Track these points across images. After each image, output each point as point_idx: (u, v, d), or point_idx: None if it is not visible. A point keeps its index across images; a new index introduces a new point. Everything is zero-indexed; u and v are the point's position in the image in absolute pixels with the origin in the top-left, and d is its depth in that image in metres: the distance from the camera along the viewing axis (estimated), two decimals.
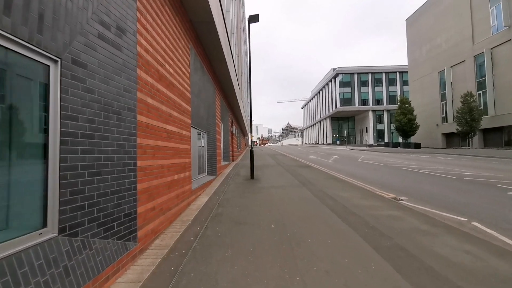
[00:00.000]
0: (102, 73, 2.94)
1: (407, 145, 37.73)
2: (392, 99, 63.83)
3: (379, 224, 4.79)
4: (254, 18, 11.79)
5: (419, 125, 39.03)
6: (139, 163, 3.65)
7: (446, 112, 36.56)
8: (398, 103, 41.45)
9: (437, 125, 38.19)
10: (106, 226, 2.95)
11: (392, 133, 53.10)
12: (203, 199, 7.04)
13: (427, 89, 40.52)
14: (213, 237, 4.26)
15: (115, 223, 3.09)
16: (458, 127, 30.68)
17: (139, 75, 3.71)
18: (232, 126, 19.07)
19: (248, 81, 10.22)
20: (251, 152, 10.79)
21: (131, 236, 3.37)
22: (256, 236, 4.25)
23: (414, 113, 39.54)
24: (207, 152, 10.01)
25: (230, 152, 18.68)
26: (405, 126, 38.88)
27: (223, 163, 14.39)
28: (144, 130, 3.86)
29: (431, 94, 39.45)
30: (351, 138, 72.97)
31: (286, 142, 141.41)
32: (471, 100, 29.71)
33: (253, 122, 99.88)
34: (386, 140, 61.95)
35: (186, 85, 6.34)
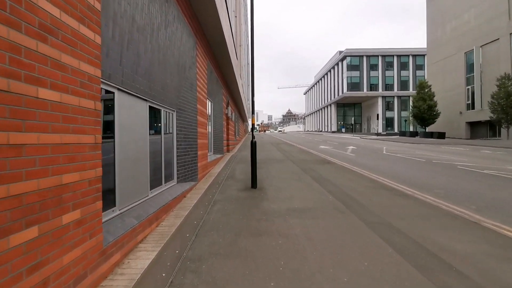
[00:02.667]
0: None
1: (428, 135, 33.54)
2: (403, 84, 59.24)
3: None
4: None
5: (440, 112, 34.79)
6: None
7: (472, 98, 32.26)
8: (417, 88, 37.07)
9: (461, 112, 33.95)
10: None
11: (406, 121, 48.84)
12: (133, 270, 2.97)
13: (449, 73, 36.04)
14: None
15: None
16: (492, 115, 26.50)
17: None
18: (227, 108, 14.91)
19: (251, 44, 5.45)
20: (253, 144, 6.63)
21: None
22: None
23: (435, 99, 35.24)
24: (177, 145, 5.91)
25: (225, 141, 14.57)
26: (424, 113, 34.64)
27: (212, 157, 10.31)
28: None
29: (455, 78, 35.01)
30: (357, 126, 68.75)
31: (287, 129, 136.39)
32: (509, 84, 25.43)
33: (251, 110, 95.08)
34: (395, 129, 57.80)
35: None
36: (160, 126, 5.08)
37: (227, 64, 11.75)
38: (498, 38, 28.83)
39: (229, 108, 15.15)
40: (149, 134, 4.53)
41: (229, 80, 14.75)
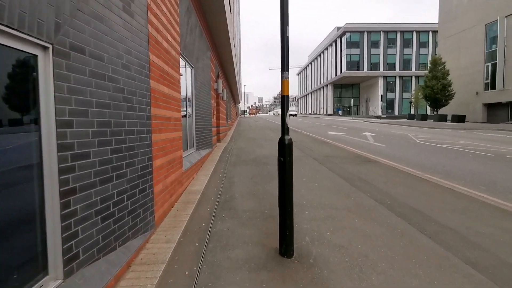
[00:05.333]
0: None
1: (443, 118, 30.01)
2: (406, 63, 55.35)
3: None
4: None
5: (454, 93, 31.28)
6: None
7: (493, 77, 28.73)
8: (429, 66, 33.24)
9: (477, 93, 30.52)
10: None
11: (411, 103, 45.40)
12: None
13: (466, 48, 32.24)
14: None
15: None
16: None
17: None
18: (217, 81, 10.79)
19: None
20: (286, 149, 2.57)
21: None
22: None
23: (449, 77, 31.63)
24: (62, 159, 1.86)
25: (214, 129, 10.54)
26: (438, 94, 31.05)
27: (194, 157, 6.31)
28: None
29: (472, 54, 31.26)
30: (354, 109, 65.08)
31: (279, 111, 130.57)
32: None
33: (243, 91, 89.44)
34: (396, 111, 54.44)
35: None
36: None
37: (217, 8, 7.56)
38: None
39: (220, 82, 11.04)
40: None
41: (219, 41, 10.52)
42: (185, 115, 6.13)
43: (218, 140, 12.14)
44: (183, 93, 5.99)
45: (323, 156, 8.71)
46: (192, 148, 6.84)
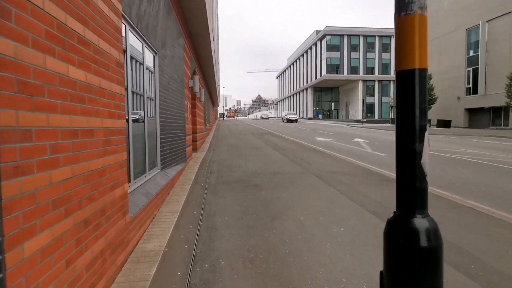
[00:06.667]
0: None
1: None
2: (385, 68, 55.57)
3: None
4: None
5: (436, 97, 30.98)
6: None
7: (474, 82, 28.61)
8: None
9: (459, 98, 30.38)
10: None
11: (391, 107, 45.18)
12: None
13: (446, 53, 32.14)
14: None
15: None
16: (508, 100, 22.70)
17: None
18: (192, 77, 8.76)
19: None
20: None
21: None
22: None
23: (431, 82, 31.32)
24: None
25: (189, 136, 8.47)
26: None
27: (157, 183, 4.27)
28: None
29: (453, 58, 31.16)
30: (334, 112, 64.65)
31: (259, 114, 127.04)
32: None
33: (221, 93, 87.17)
34: (376, 116, 54.41)
35: None
36: None
37: None
38: (511, 12, 24.93)
39: (197, 78, 9.01)
40: None
41: (196, 29, 8.50)
42: (140, 121, 4.11)
43: (195, 149, 10.08)
44: (136, 89, 3.98)
45: (326, 172, 6.94)
46: (155, 168, 4.81)
